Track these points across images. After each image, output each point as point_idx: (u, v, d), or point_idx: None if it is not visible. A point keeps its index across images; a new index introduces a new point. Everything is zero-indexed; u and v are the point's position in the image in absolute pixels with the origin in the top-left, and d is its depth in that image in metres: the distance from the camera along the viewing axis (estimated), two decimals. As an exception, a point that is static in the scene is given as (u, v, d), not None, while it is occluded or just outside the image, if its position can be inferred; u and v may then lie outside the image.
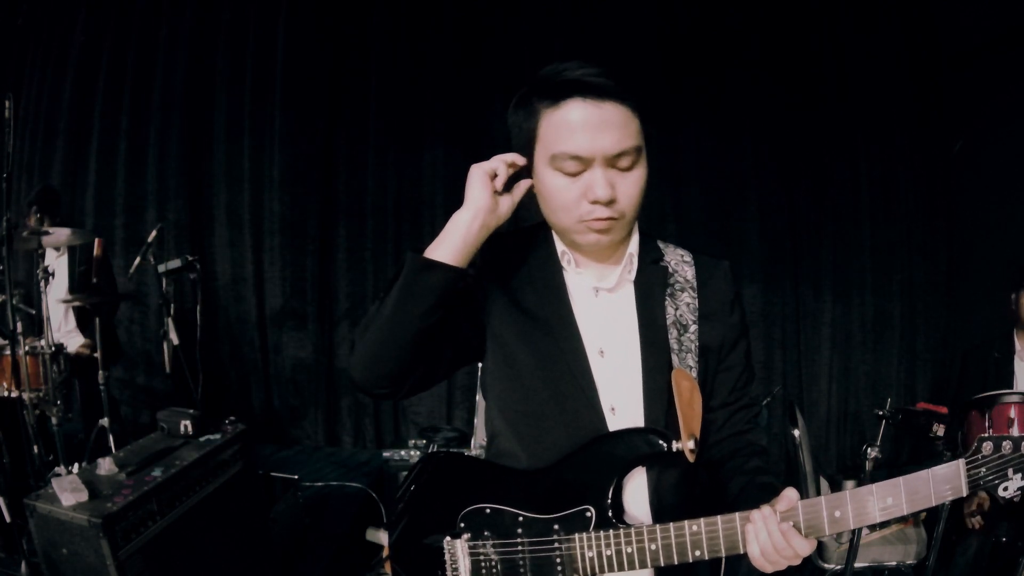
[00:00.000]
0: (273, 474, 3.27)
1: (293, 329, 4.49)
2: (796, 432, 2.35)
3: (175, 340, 3.39)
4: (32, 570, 2.27)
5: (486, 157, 1.06)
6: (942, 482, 0.90)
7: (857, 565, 2.22)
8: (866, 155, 3.87)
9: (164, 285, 3.40)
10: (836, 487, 2.96)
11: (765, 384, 3.89)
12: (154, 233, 3.40)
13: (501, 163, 1.03)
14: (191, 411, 2.41)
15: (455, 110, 4.20)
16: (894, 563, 2.33)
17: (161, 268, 3.40)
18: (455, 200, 1.03)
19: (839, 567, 2.29)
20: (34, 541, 1.94)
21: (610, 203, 1.00)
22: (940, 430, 2.31)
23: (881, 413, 2.46)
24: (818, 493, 2.45)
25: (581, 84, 0.97)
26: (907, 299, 3.89)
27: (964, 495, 0.91)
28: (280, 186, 4.41)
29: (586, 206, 1.00)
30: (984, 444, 0.90)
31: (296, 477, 3.32)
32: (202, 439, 2.35)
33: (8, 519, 2.44)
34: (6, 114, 2.43)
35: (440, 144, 4.25)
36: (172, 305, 3.39)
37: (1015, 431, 2.04)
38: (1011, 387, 2.50)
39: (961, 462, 0.90)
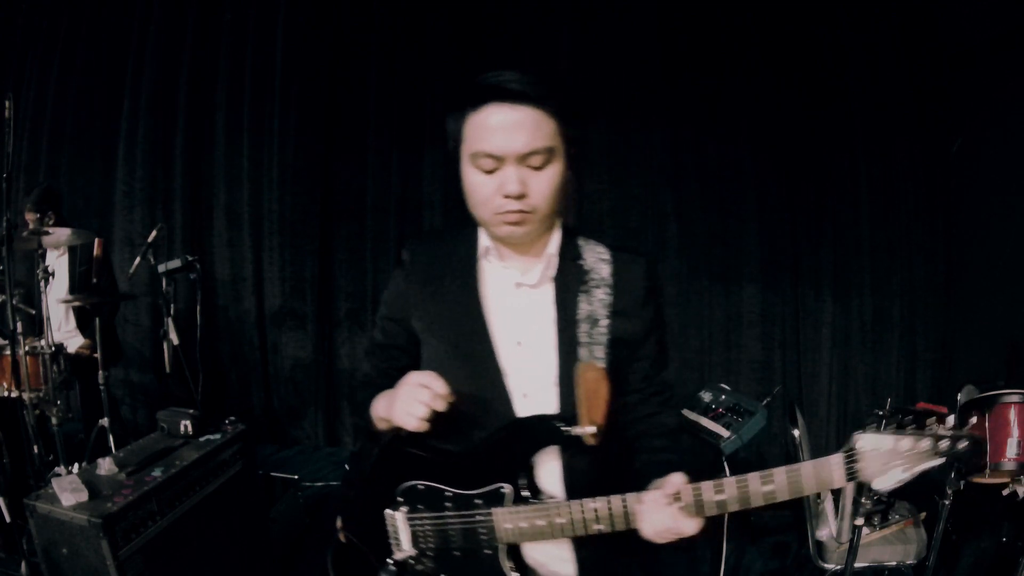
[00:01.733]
0: (273, 474, 3.28)
1: (293, 329, 4.49)
2: (796, 432, 2.35)
3: (175, 340, 3.39)
4: (32, 570, 2.27)
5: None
6: (819, 473, 0.98)
7: (857, 565, 2.22)
8: (866, 155, 3.86)
9: (164, 285, 3.40)
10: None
11: (765, 384, 3.89)
12: (154, 233, 3.40)
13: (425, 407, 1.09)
14: (191, 411, 2.42)
15: (450, 111, 4.19)
16: (894, 563, 2.33)
17: (161, 268, 3.40)
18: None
19: (839, 567, 2.29)
20: (34, 541, 1.94)
21: (521, 198, 1.08)
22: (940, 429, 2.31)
23: (881, 413, 2.46)
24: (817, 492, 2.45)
25: (498, 89, 1.07)
26: (907, 299, 3.89)
27: (840, 487, 1.00)
28: (280, 186, 4.41)
29: (500, 200, 1.09)
30: (861, 441, 0.97)
31: (296, 477, 3.33)
32: (202, 439, 2.35)
33: (8, 519, 2.45)
34: (6, 114, 2.43)
35: (440, 144, 4.20)
36: (172, 305, 3.39)
37: (1015, 431, 2.04)
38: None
39: (839, 456, 0.97)
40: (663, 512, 1.03)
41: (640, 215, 4.02)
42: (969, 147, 3.68)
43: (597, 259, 1.22)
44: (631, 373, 1.23)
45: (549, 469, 1.18)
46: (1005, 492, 2.10)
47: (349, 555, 1.28)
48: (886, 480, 0.96)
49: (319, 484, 3.67)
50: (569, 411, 1.12)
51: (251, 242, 4.47)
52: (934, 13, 3.70)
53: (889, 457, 0.95)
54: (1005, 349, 3.22)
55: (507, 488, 1.13)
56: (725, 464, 2.56)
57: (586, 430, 1.08)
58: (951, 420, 0.96)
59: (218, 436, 2.38)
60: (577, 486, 1.17)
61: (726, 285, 3.98)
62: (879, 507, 2.36)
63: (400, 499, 1.19)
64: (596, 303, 1.18)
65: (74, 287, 3.38)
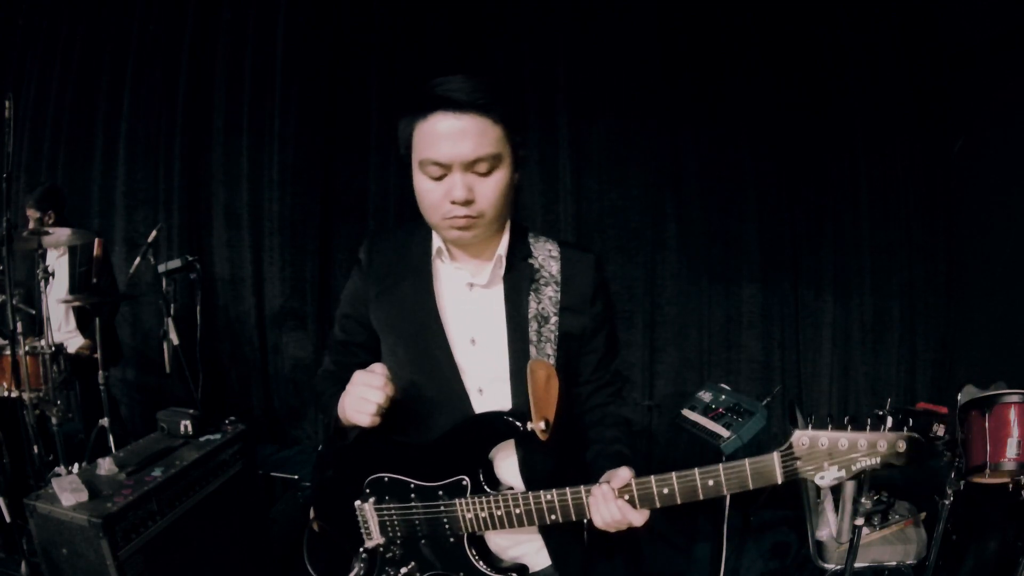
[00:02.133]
0: (273, 474, 3.28)
1: (293, 329, 4.49)
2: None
3: (175, 340, 3.39)
4: (32, 570, 2.27)
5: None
6: (758, 470, 1.02)
7: (857, 565, 2.22)
8: (866, 155, 3.86)
9: (164, 285, 3.40)
10: (836, 487, 2.96)
11: (765, 384, 3.89)
12: (154, 233, 3.41)
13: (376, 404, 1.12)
14: (191, 411, 2.42)
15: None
16: (894, 563, 2.33)
17: (161, 268, 3.40)
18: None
19: (839, 567, 2.29)
20: (34, 541, 1.94)
21: (467, 203, 1.11)
22: (940, 430, 2.31)
23: (881, 413, 2.45)
24: (817, 492, 2.45)
25: (444, 99, 1.09)
26: (907, 299, 3.89)
27: (779, 483, 1.01)
28: (280, 186, 4.41)
29: (448, 206, 1.12)
30: (800, 439, 1.00)
31: (296, 477, 3.33)
32: (202, 439, 2.35)
33: (8, 519, 2.45)
34: (6, 114, 2.43)
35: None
36: (172, 305, 3.39)
37: (1015, 431, 2.04)
38: None
39: (776, 454, 1.01)
40: (611, 504, 1.08)
41: (640, 215, 4.01)
42: (969, 147, 3.68)
43: (547, 256, 1.25)
44: (582, 366, 1.29)
45: (508, 461, 1.24)
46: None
47: (323, 544, 1.34)
48: (825, 478, 0.99)
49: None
50: (522, 406, 1.16)
51: (251, 242, 4.47)
52: (934, 13, 3.70)
53: (827, 456, 0.98)
54: (1005, 349, 3.23)
55: (467, 480, 1.18)
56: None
57: (538, 426, 1.12)
58: (890, 421, 0.99)
59: (218, 436, 2.38)
60: (535, 477, 1.23)
61: (726, 285, 3.98)
62: (879, 507, 2.36)
63: (367, 490, 1.25)
64: (545, 301, 1.22)
65: (74, 287, 3.38)
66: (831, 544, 2.36)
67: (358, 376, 1.14)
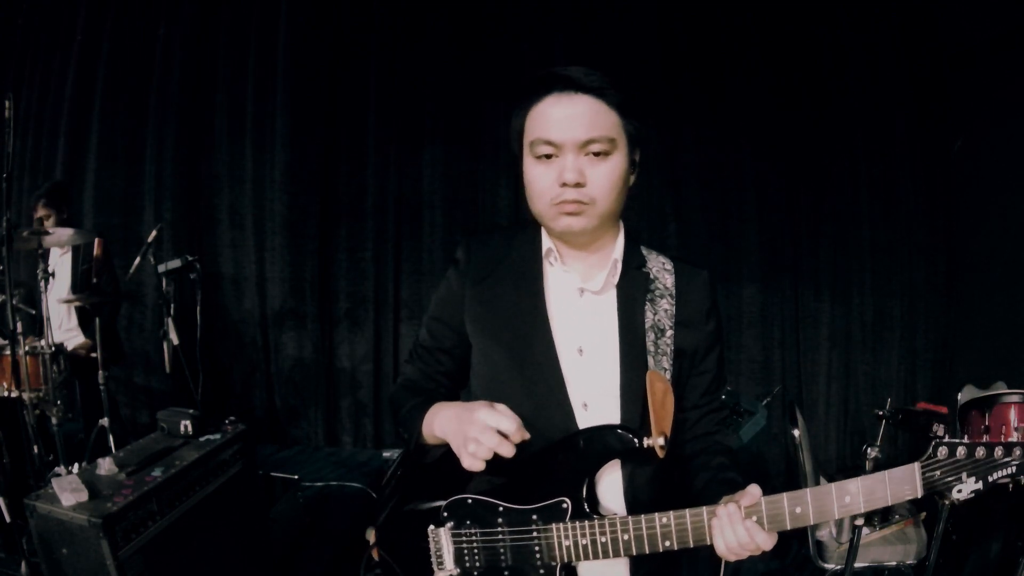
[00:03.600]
0: (273, 474, 3.27)
1: (293, 329, 4.49)
2: (796, 432, 2.35)
3: (175, 340, 3.39)
4: (32, 570, 2.27)
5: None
6: (898, 483, 0.95)
7: (857, 565, 2.22)
8: (866, 155, 3.86)
9: (164, 285, 3.40)
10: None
11: (765, 384, 3.89)
12: (154, 233, 3.40)
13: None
14: (191, 411, 2.41)
15: (455, 109, 4.20)
16: (894, 563, 2.33)
17: (161, 268, 3.40)
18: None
19: (839, 567, 2.29)
20: (34, 541, 1.93)
21: (579, 186, 1.05)
22: (940, 430, 2.31)
23: (881, 413, 2.46)
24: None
25: (559, 79, 1.06)
26: (907, 299, 3.89)
27: (919, 496, 0.95)
28: (281, 186, 4.41)
29: (557, 189, 1.06)
30: (940, 449, 0.94)
31: (296, 477, 3.33)
32: (202, 439, 2.35)
33: (8, 519, 2.44)
34: (6, 114, 2.43)
35: (440, 143, 4.25)
36: (172, 305, 3.39)
37: (1015, 431, 2.04)
38: None
39: (917, 465, 0.95)
40: (738, 527, 0.98)
41: (640, 215, 4.02)
42: (969, 147, 3.68)
43: (661, 268, 1.18)
44: (691, 388, 1.19)
45: (609, 483, 1.13)
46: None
47: (381, 574, 1.22)
48: (963, 491, 0.94)
49: (319, 484, 3.67)
50: (631, 423, 1.08)
51: (252, 242, 4.47)
52: (934, 13, 3.70)
53: (966, 466, 0.94)
54: (1005, 349, 3.23)
55: (567, 503, 1.06)
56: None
57: (656, 441, 1.02)
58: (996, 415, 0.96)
59: (218, 436, 2.37)
60: (639, 501, 1.12)
61: (726, 285, 3.98)
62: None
63: (445, 514, 1.12)
64: (661, 312, 1.14)
65: (76, 287, 3.38)
66: (831, 544, 2.36)
67: (484, 414, 1.00)
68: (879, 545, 2.34)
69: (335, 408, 4.53)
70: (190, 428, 2.36)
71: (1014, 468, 0.93)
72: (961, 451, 0.94)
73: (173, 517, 2.05)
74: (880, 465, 2.24)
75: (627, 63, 3.94)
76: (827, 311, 3.94)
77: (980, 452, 0.93)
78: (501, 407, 1.02)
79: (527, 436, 1.01)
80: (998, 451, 0.93)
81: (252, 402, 4.54)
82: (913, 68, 3.78)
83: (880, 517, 2.37)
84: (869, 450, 2.16)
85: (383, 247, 4.40)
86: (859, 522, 2.09)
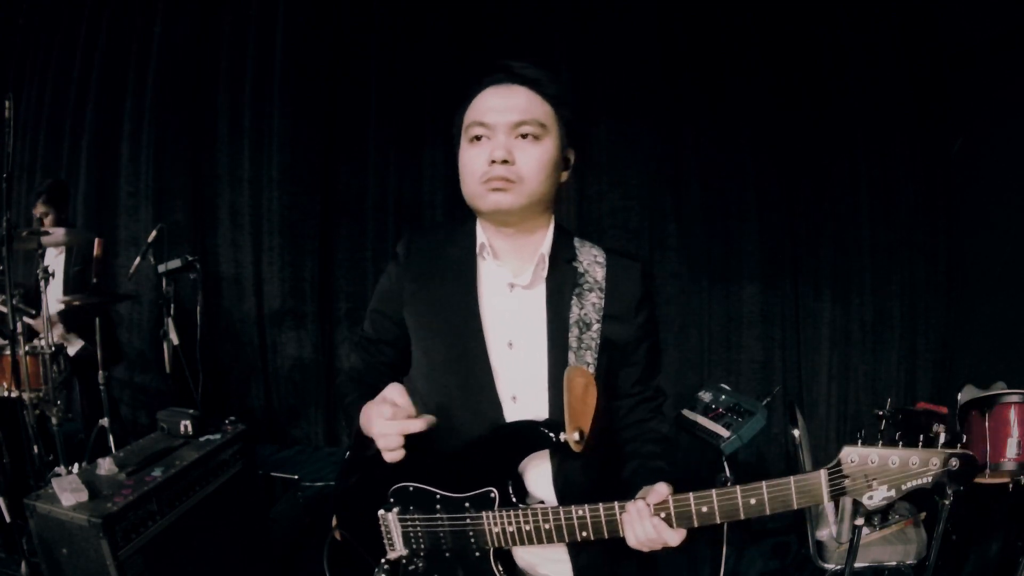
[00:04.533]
0: (273, 474, 3.27)
1: (293, 329, 4.49)
2: (796, 432, 2.35)
3: (175, 340, 3.38)
4: (32, 570, 2.27)
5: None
6: (803, 489, 0.96)
7: (857, 565, 2.22)
8: (866, 155, 3.86)
9: (164, 285, 3.40)
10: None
11: (765, 384, 3.89)
12: (154, 233, 3.40)
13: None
14: (191, 411, 2.41)
15: (455, 109, 4.19)
16: (894, 563, 2.33)
17: (161, 268, 3.40)
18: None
19: (839, 567, 2.29)
20: (34, 541, 1.93)
21: (506, 163, 1.08)
22: (940, 430, 2.31)
23: (881, 413, 2.46)
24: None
25: (498, 70, 1.12)
26: (907, 299, 3.88)
27: (824, 503, 0.97)
28: (280, 186, 4.41)
29: (487, 167, 1.09)
30: (848, 456, 0.94)
31: (296, 477, 3.33)
32: (202, 439, 2.35)
33: (8, 519, 2.44)
34: (6, 114, 2.43)
35: (440, 143, 4.24)
36: (172, 305, 3.39)
37: (1015, 431, 2.04)
38: None
39: (823, 472, 0.95)
40: (647, 522, 1.02)
41: (640, 215, 4.02)
42: (969, 147, 3.68)
43: (592, 261, 1.20)
44: (622, 378, 1.23)
45: (539, 474, 1.18)
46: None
47: (345, 553, 1.29)
48: (874, 498, 0.94)
49: (319, 484, 3.67)
50: (559, 415, 1.10)
51: (251, 242, 4.47)
52: (934, 13, 3.70)
53: (877, 474, 0.94)
54: (1005, 349, 3.22)
55: (495, 492, 1.12)
56: (725, 464, 2.55)
57: (572, 436, 1.06)
58: (943, 436, 0.94)
59: (218, 436, 2.37)
60: (568, 491, 1.17)
61: (726, 285, 3.98)
62: (879, 507, 2.35)
63: (392, 500, 1.19)
64: (588, 307, 1.16)
65: (68, 287, 3.36)
66: (831, 544, 2.36)
67: (377, 408, 1.07)
68: (879, 545, 2.34)
69: (335, 408, 4.52)
70: (190, 428, 2.37)
71: (928, 480, 0.92)
72: (873, 459, 0.93)
73: (173, 517, 2.05)
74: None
75: (627, 63, 3.94)
76: (827, 311, 3.94)
77: (893, 462, 0.93)
78: (395, 393, 1.07)
79: (424, 423, 1.05)
80: (913, 460, 0.92)
81: (252, 402, 4.54)
82: (913, 68, 3.77)
83: (880, 517, 2.37)
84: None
85: (383, 247, 4.40)
86: (859, 522, 2.09)
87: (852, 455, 0.94)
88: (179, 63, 4.45)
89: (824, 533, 2.39)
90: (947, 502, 2.15)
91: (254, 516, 2.54)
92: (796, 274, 3.96)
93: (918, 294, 3.88)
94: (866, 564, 2.31)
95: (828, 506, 2.43)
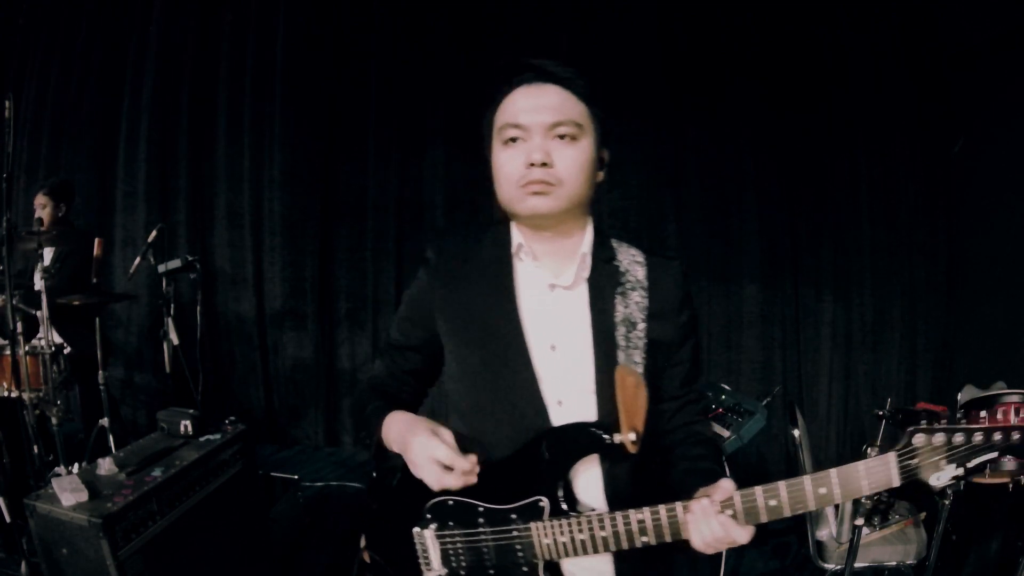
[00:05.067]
0: (273, 474, 3.27)
1: (293, 329, 4.49)
2: (796, 432, 2.35)
3: (175, 340, 3.38)
4: (32, 570, 2.27)
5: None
6: (873, 473, 0.94)
7: (857, 565, 2.22)
8: (866, 155, 3.86)
9: (164, 285, 3.40)
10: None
11: (765, 384, 3.89)
12: (154, 233, 3.40)
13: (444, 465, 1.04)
14: (191, 411, 2.41)
15: (456, 110, 4.19)
16: (894, 563, 2.33)
17: (161, 268, 3.40)
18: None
19: (839, 567, 2.29)
20: (34, 541, 1.93)
21: (545, 166, 1.05)
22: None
23: (881, 413, 2.46)
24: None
25: (529, 69, 1.09)
26: (907, 299, 3.89)
27: (896, 485, 0.94)
28: (280, 186, 4.41)
29: (524, 170, 1.06)
30: (916, 436, 0.94)
31: (296, 477, 3.33)
32: (202, 439, 2.35)
33: (8, 519, 2.44)
34: (6, 114, 2.43)
35: (441, 144, 4.24)
36: (172, 305, 3.39)
37: (1015, 431, 2.04)
38: None
39: (892, 454, 0.94)
40: (713, 521, 0.97)
41: (640, 215, 4.01)
42: (970, 147, 3.68)
43: (631, 261, 1.17)
44: (667, 380, 1.19)
45: (588, 480, 1.13)
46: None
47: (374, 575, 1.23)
48: (941, 478, 0.93)
49: (319, 484, 3.67)
50: (607, 418, 1.07)
51: (251, 242, 4.47)
52: (934, 13, 3.70)
53: (944, 451, 0.93)
54: (1005, 349, 3.22)
55: (544, 501, 1.07)
56: (725, 464, 2.56)
57: (627, 437, 1.02)
58: (1000, 414, 0.96)
59: (218, 436, 2.37)
60: (619, 497, 1.12)
61: (726, 285, 3.98)
62: (879, 507, 2.35)
63: (428, 516, 1.13)
64: (632, 306, 1.13)
65: (60, 287, 3.32)
66: (831, 544, 2.36)
67: (419, 440, 1.04)
68: (879, 545, 2.34)
69: (335, 408, 4.53)
70: (190, 428, 2.37)
71: (995, 453, 0.92)
72: (938, 438, 0.93)
73: (173, 517, 2.05)
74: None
75: (627, 63, 3.94)
76: (827, 311, 3.94)
77: (958, 438, 0.93)
78: (444, 433, 1.05)
79: (469, 464, 1.02)
80: (977, 436, 0.92)
81: (252, 402, 4.54)
82: (913, 68, 3.77)
83: (880, 517, 2.37)
84: (869, 450, 2.15)
85: (383, 247, 4.40)
86: (859, 522, 2.09)
87: (918, 435, 0.93)
88: (178, 63, 4.45)
89: (824, 533, 2.39)
90: (947, 502, 2.15)
91: (254, 516, 2.54)
92: (796, 274, 3.96)
93: (918, 294, 3.88)
94: (866, 564, 2.31)
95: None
